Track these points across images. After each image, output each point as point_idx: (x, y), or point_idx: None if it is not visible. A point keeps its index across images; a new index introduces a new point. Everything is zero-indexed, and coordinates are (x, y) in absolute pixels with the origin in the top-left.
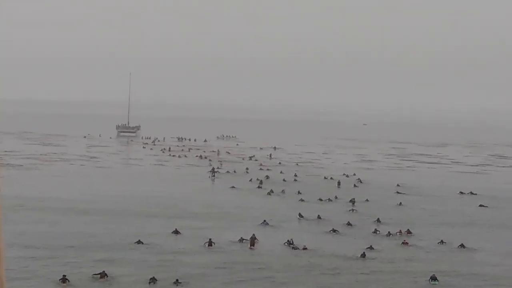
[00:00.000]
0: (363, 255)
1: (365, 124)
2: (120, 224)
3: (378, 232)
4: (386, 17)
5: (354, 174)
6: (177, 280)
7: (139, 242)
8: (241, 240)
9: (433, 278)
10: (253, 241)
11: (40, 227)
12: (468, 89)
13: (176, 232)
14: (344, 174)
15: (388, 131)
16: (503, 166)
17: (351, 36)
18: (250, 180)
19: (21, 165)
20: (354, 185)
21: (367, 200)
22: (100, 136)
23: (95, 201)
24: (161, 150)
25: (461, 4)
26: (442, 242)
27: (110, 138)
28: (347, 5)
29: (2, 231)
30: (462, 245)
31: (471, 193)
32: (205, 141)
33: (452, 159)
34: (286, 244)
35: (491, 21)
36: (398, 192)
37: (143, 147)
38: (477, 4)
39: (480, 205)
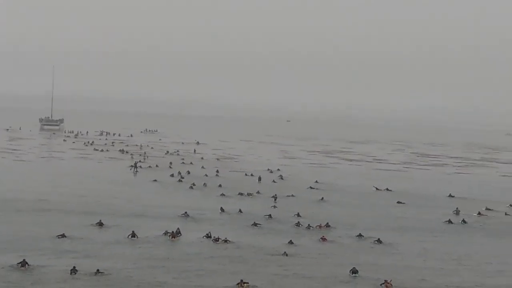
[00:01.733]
0: (285, 254)
1: (289, 121)
2: (42, 218)
3: (299, 225)
4: (318, 18)
5: (278, 169)
6: (97, 270)
7: (62, 235)
8: (166, 233)
9: (354, 271)
10: (175, 233)
11: None
12: (406, 88)
13: (100, 224)
14: (268, 170)
15: (312, 128)
16: (425, 164)
17: (281, 34)
18: (172, 174)
19: None
20: (273, 181)
21: (288, 196)
22: (20, 129)
23: (15, 196)
24: (84, 144)
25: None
26: (360, 236)
27: (30, 131)
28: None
29: None
30: (379, 240)
31: (387, 189)
32: (130, 136)
33: (375, 156)
34: (205, 237)
35: (451, 22)
36: (311, 187)
37: (64, 140)
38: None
39: (398, 202)
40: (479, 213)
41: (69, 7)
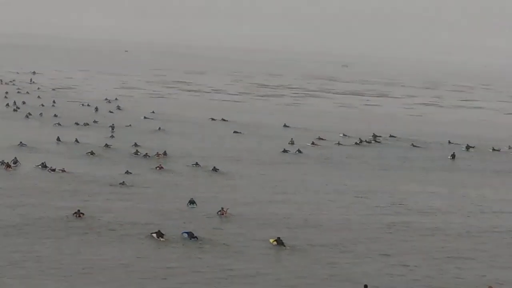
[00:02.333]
0: (123, 183)
1: (127, 51)
2: None
3: (137, 154)
4: None
5: (116, 99)
6: None
7: None
8: (2, 162)
9: (192, 202)
10: (11, 163)
11: None
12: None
13: None
14: (106, 100)
15: (150, 59)
16: (263, 95)
17: None
18: (7, 104)
19: None
20: (110, 111)
21: (126, 126)
22: None
23: None
24: None
25: None
26: (196, 164)
27: None
28: None
29: None
30: (215, 169)
31: (223, 119)
32: None
33: (213, 87)
34: (40, 166)
35: None
36: (147, 118)
37: None
38: None
39: (235, 132)
40: (312, 143)
41: None
